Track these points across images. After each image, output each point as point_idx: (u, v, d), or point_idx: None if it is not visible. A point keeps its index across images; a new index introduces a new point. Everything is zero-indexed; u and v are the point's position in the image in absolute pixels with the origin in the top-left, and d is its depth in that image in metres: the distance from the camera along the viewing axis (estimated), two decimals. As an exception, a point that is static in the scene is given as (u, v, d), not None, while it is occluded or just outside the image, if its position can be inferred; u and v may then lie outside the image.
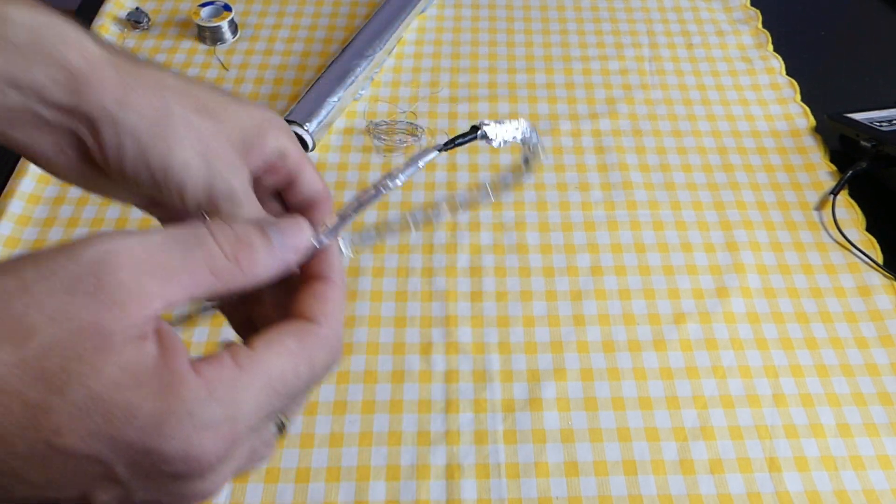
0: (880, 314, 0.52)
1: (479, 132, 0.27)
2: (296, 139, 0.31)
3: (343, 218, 0.25)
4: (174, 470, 0.19)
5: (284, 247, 0.23)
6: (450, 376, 0.48)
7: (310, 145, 0.60)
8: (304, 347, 0.22)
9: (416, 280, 0.53)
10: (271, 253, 0.23)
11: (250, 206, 0.28)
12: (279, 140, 0.29)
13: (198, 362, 0.20)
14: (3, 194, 0.57)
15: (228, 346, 0.22)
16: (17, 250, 0.54)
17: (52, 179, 0.59)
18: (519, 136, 0.28)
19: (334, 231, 0.25)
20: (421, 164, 0.26)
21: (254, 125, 0.28)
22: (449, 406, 0.47)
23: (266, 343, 0.21)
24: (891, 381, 0.49)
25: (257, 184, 0.30)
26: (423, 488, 0.44)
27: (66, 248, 0.19)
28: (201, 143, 0.26)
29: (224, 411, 0.20)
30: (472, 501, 0.43)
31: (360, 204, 0.25)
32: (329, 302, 0.24)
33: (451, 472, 0.44)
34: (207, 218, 0.30)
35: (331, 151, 0.62)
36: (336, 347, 0.23)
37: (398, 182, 0.26)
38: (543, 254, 0.55)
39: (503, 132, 0.28)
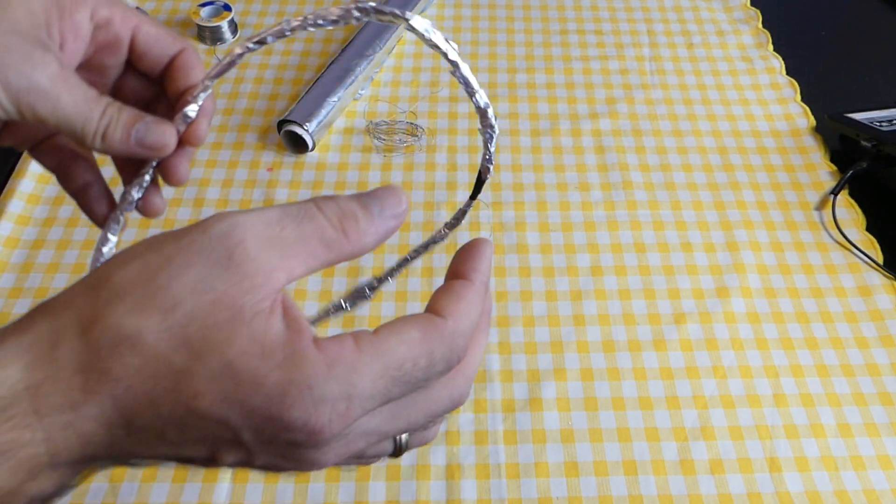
0: (881, 314, 0.52)
1: (483, 182, 0.28)
2: (118, 3, 0.27)
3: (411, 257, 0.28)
4: (294, 438, 0.20)
5: (384, 214, 0.24)
6: (450, 376, 0.48)
7: (309, 145, 0.60)
8: (426, 339, 0.22)
9: (417, 280, 0.53)
10: (373, 222, 0.23)
11: (71, 95, 0.25)
12: (94, 11, 0.27)
13: (321, 340, 0.21)
14: (3, 194, 0.57)
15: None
16: (17, 250, 0.54)
17: (52, 179, 0.59)
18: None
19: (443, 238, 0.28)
20: (466, 215, 0.29)
21: (45, 7, 0.25)
22: (449, 406, 0.47)
23: (390, 330, 0.22)
24: (891, 381, 0.49)
25: (97, 68, 0.28)
26: (423, 488, 0.44)
27: (199, 224, 0.21)
28: None
29: (341, 389, 0.20)
30: (473, 502, 0.43)
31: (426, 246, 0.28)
32: (462, 300, 0.24)
33: (452, 472, 0.44)
34: None
35: (331, 151, 0.62)
36: (458, 345, 0.23)
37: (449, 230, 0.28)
38: (543, 254, 0.55)
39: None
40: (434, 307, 0.23)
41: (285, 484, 0.43)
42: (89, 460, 0.20)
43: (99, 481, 0.43)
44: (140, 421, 0.20)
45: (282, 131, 0.60)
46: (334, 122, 0.63)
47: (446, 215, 0.57)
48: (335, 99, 0.61)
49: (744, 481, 0.44)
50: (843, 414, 0.47)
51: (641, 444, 0.46)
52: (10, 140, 0.30)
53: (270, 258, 0.21)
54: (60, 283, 0.52)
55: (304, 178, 0.60)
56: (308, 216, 0.22)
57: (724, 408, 0.47)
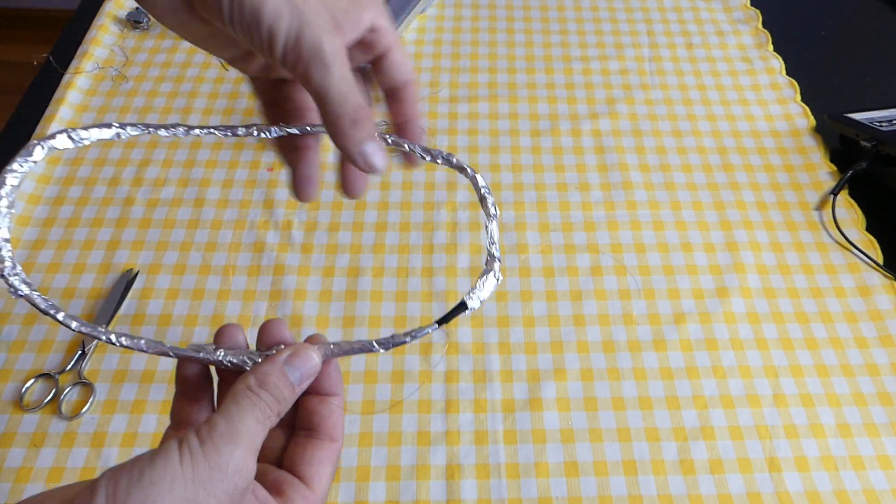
0: (880, 314, 0.52)
1: (467, 309, 0.29)
2: (389, 18, 0.32)
3: (333, 353, 0.30)
4: None
5: (302, 378, 0.29)
6: (450, 376, 0.48)
7: (310, 145, 0.60)
8: (334, 465, 0.30)
9: (416, 280, 0.53)
10: (294, 392, 0.28)
11: (341, 71, 0.28)
12: (375, 17, 0.31)
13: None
14: (3, 194, 0.57)
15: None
16: (17, 251, 0.54)
17: (52, 179, 0.59)
18: (490, 286, 0.30)
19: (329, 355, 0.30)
20: (417, 339, 0.29)
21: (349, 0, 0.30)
22: (449, 406, 0.47)
23: (319, 479, 0.29)
24: (891, 381, 0.49)
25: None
26: (423, 488, 0.44)
27: (225, 475, 0.25)
28: None
29: None
30: (473, 502, 0.43)
31: (350, 351, 0.29)
32: (339, 420, 0.30)
33: (451, 472, 0.44)
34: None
35: (331, 151, 0.62)
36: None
37: (385, 350, 0.29)
38: (543, 254, 0.55)
39: (485, 292, 0.30)
40: (330, 435, 0.30)
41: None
42: None
43: None
44: None
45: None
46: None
47: (446, 215, 0.57)
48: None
49: (743, 481, 0.44)
50: (843, 414, 0.47)
51: (641, 444, 0.46)
52: (248, 70, 0.32)
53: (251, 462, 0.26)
54: (61, 283, 0.52)
55: (304, 178, 0.60)
56: (261, 418, 0.27)
57: (724, 408, 0.47)
